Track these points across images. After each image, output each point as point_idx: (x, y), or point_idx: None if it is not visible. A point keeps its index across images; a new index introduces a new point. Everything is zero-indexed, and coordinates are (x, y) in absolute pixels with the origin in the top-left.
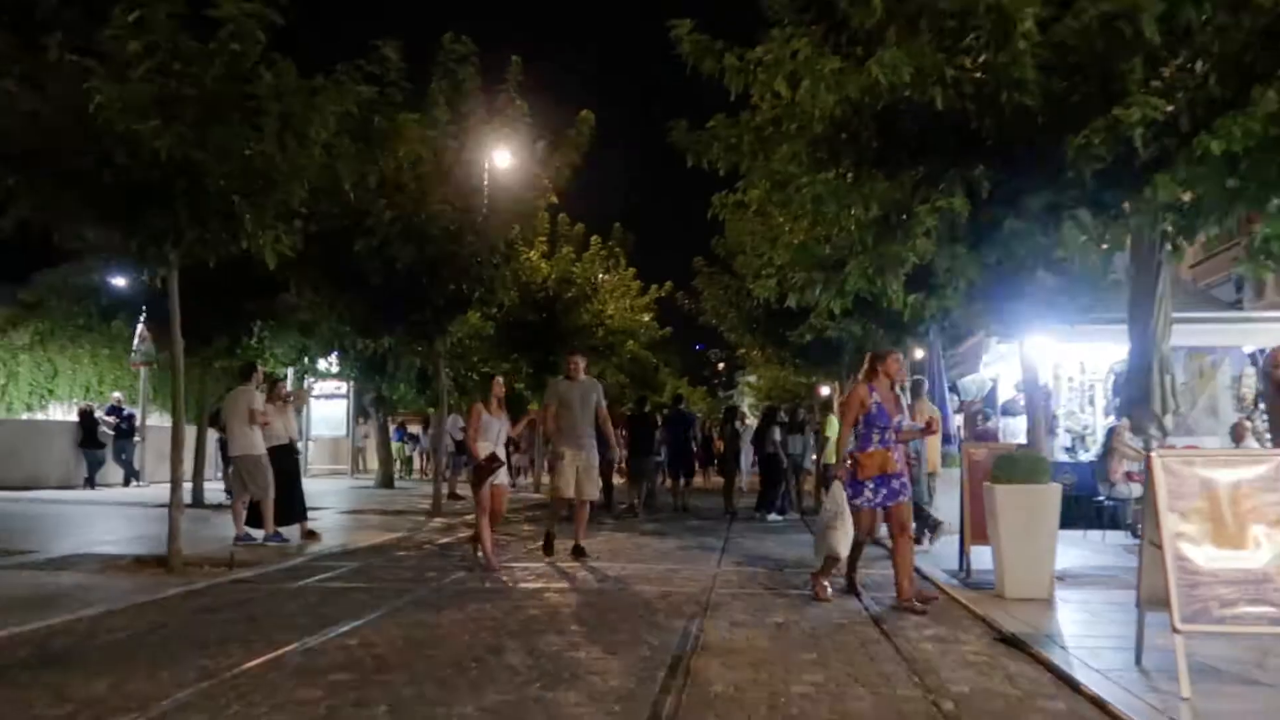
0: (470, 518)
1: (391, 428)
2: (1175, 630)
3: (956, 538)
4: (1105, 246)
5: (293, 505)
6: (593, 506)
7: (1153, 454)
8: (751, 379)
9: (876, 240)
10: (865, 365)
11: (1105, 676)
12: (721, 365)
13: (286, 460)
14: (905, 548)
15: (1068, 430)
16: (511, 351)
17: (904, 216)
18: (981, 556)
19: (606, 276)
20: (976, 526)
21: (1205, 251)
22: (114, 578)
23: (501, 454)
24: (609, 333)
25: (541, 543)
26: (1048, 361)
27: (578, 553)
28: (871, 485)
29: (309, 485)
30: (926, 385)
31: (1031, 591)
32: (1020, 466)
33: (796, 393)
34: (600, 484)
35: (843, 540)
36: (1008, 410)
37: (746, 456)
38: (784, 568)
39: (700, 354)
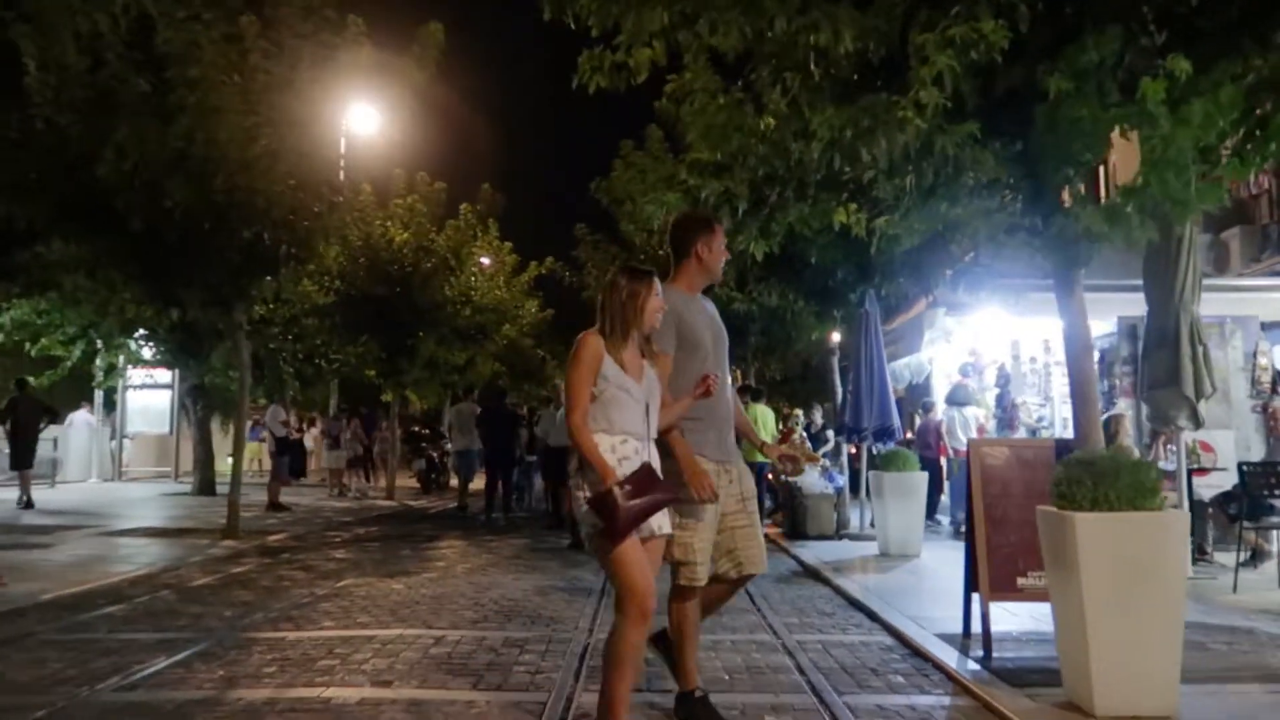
0: (278, 538)
1: (247, 425)
2: None
3: (953, 584)
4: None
5: None
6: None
7: None
8: None
9: (843, 98)
10: None
11: None
12: None
13: None
14: None
15: (1024, 424)
16: (360, 332)
17: (886, 76)
18: (1006, 619)
19: (488, 261)
20: (999, 573)
21: None
22: None
23: (656, 460)
24: (477, 311)
25: (675, 703)
26: (1002, 339)
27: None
28: None
29: (120, 490)
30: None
31: (1146, 704)
32: (1119, 479)
33: None
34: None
35: None
36: (955, 399)
37: None
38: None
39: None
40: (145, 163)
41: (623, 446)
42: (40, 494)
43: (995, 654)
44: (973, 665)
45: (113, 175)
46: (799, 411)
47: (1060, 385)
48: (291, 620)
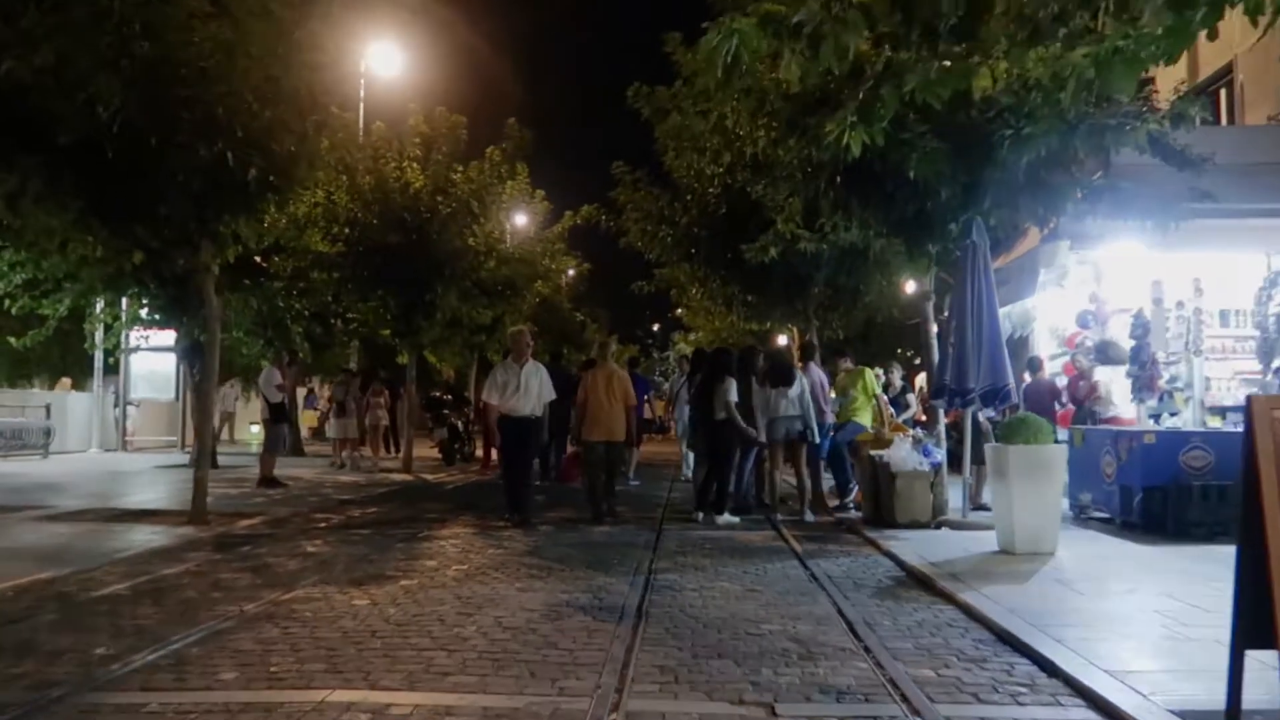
0: (250, 523)
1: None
2: None
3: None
4: None
5: None
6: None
7: None
8: (691, 336)
9: None
10: None
11: None
12: (656, 326)
13: None
14: None
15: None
16: (375, 286)
17: None
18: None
19: (525, 220)
20: None
21: None
22: None
23: None
24: (503, 262)
25: None
26: (1137, 281)
27: None
28: None
29: (116, 462)
30: None
31: None
32: None
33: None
34: None
35: None
36: (1110, 357)
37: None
38: (775, 700)
39: (632, 302)
40: (64, 58)
41: None
42: (28, 466)
43: None
44: None
45: (22, 72)
46: (879, 371)
47: (1212, 338)
48: (178, 667)
